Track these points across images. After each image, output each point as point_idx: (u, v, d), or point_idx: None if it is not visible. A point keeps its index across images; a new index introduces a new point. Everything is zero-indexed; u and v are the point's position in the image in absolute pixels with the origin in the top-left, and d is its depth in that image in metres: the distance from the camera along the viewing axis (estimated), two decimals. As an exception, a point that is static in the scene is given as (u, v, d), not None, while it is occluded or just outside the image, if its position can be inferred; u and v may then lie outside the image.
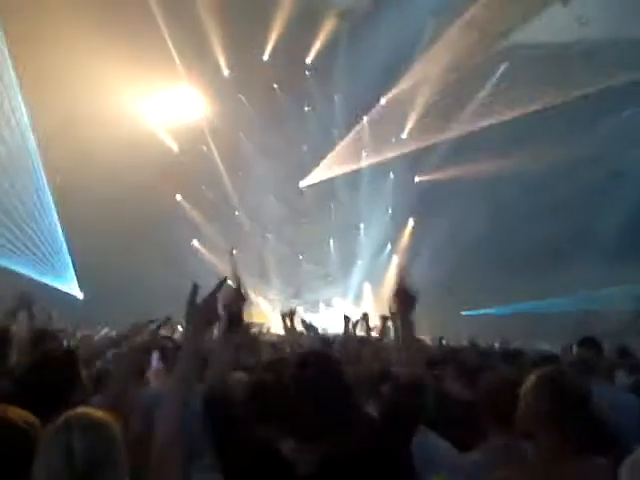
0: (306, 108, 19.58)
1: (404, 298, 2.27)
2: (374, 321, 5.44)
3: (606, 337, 5.68)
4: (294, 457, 1.76)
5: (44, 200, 16.25)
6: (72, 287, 18.14)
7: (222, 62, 17.79)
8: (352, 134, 19.43)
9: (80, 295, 18.30)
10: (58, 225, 16.88)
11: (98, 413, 1.72)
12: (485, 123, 17.62)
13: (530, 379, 2.25)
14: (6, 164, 14.78)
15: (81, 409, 1.75)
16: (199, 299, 1.90)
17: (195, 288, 1.91)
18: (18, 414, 1.87)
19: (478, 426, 2.79)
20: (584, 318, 14.39)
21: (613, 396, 2.93)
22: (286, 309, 5.67)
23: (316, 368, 1.88)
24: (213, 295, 1.92)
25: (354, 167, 19.89)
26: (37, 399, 2.15)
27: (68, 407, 1.78)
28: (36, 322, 4.53)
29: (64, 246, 17.34)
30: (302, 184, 20.80)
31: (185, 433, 1.78)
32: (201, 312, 1.88)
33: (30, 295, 4.71)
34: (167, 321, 3.96)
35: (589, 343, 4.29)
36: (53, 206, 16.46)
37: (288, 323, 5.28)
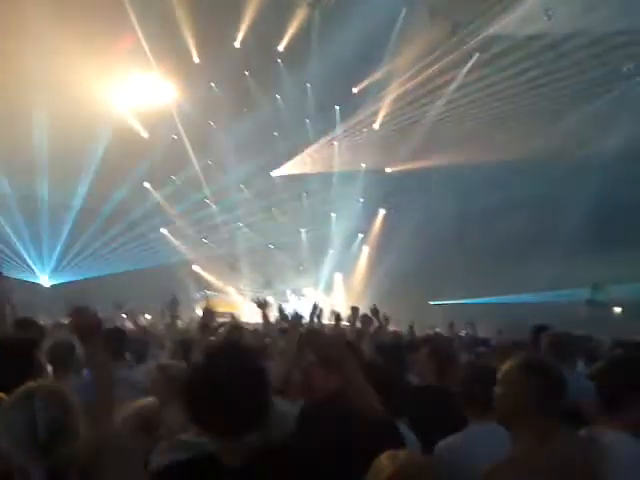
0: (278, 96, 19.42)
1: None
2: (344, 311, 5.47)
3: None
4: (219, 451, 1.75)
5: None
6: (43, 274, 17.89)
7: (192, 48, 17.51)
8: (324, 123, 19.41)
9: (47, 283, 18.02)
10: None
11: (56, 384, 1.78)
12: (455, 112, 17.78)
13: (507, 366, 2.24)
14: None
15: (39, 381, 1.78)
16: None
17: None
18: None
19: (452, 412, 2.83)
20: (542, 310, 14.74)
21: (579, 383, 3.00)
22: (257, 299, 5.69)
23: (225, 360, 1.80)
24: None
25: (326, 160, 19.90)
26: None
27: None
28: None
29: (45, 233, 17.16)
30: (274, 174, 20.72)
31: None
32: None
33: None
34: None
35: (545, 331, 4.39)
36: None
37: (263, 313, 5.33)
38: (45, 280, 18.00)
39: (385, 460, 1.56)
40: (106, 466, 1.76)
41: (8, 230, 16.74)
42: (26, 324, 3.78)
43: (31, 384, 1.74)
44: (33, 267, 17.70)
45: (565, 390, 2.19)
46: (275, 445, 1.81)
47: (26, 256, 17.37)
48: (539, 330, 4.52)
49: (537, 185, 16.39)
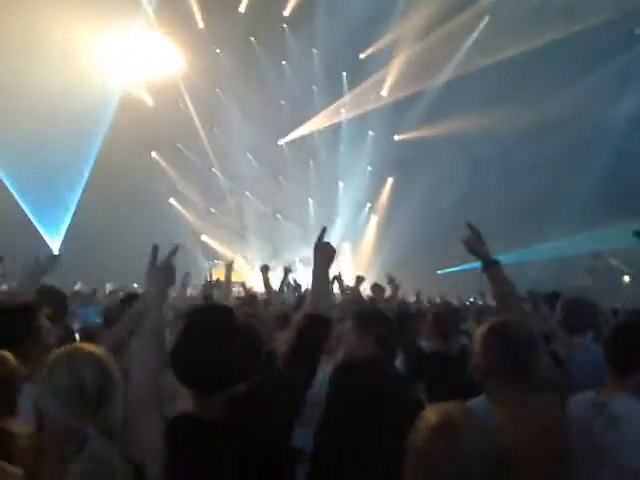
0: (284, 62, 19.11)
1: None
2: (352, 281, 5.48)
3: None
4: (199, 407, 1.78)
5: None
6: (55, 242, 18.03)
7: (197, 13, 17.22)
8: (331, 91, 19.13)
9: (55, 251, 18.13)
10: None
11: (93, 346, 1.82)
12: (465, 79, 17.44)
13: (479, 330, 2.23)
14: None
15: (78, 344, 1.82)
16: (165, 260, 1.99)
17: (155, 249, 1.99)
18: None
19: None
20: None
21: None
22: (263, 265, 5.80)
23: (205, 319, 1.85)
24: (169, 259, 2.00)
25: (333, 124, 19.63)
26: None
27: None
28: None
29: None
30: (281, 142, 20.51)
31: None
32: (160, 273, 1.96)
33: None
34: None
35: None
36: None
37: (265, 279, 5.42)
38: (55, 247, 18.13)
39: (431, 414, 1.56)
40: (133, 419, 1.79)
41: (18, 197, 16.83)
42: (50, 291, 3.79)
43: (71, 347, 1.76)
44: (43, 234, 17.83)
45: (535, 355, 2.15)
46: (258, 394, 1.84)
47: (36, 223, 17.49)
48: (552, 297, 4.46)
49: (549, 151, 16.14)
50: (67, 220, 18.07)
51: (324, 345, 2.12)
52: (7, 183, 16.54)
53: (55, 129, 14.83)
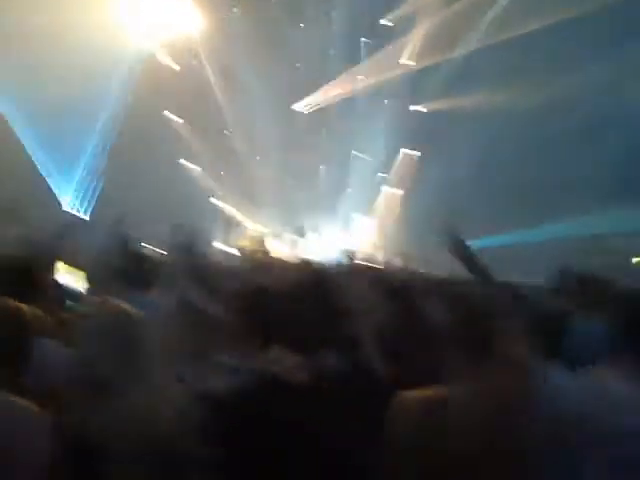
0: (302, 25, 18.70)
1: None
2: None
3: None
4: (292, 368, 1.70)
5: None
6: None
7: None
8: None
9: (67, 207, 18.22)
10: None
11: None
12: (488, 47, 16.98)
13: None
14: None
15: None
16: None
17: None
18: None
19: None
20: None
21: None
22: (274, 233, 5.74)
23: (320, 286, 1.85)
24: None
25: (349, 91, 19.26)
26: None
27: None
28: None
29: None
30: (295, 106, 20.15)
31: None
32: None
33: None
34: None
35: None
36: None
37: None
38: (65, 204, 18.18)
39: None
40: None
41: (30, 152, 16.82)
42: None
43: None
44: (55, 190, 17.86)
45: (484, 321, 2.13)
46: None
47: (47, 179, 17.52)
48: (567, 274, 4.40)
49: (571, 126, 15.81)
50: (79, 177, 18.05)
51: None
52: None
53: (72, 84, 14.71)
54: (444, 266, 11.57)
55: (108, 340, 1.69)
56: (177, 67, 18.46)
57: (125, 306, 1.75)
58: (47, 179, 17.46)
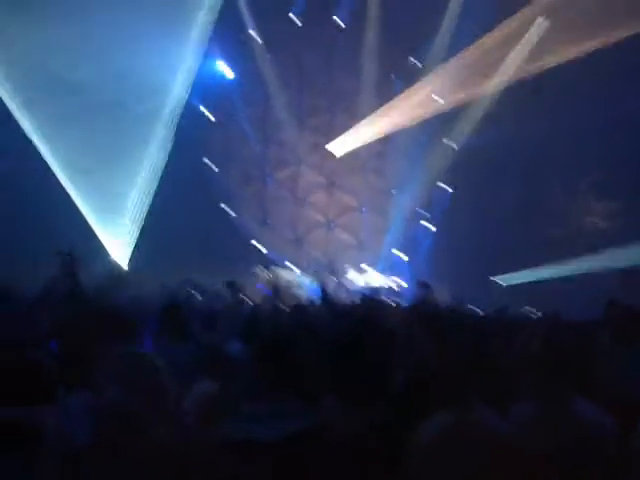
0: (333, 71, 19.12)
1: None
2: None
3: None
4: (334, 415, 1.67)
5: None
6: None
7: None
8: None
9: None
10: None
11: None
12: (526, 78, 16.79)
13: None
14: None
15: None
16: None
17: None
18: None
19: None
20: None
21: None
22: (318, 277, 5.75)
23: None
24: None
25: (382, 129, 19.31)
26: None
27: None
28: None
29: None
30: (330, 147, 20.25)
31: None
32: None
33: None
34: None
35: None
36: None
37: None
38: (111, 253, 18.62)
39: None
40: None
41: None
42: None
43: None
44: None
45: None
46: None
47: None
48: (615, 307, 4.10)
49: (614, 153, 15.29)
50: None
51: None
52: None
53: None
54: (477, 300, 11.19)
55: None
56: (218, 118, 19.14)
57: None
58: (93, 228, 18.01)
